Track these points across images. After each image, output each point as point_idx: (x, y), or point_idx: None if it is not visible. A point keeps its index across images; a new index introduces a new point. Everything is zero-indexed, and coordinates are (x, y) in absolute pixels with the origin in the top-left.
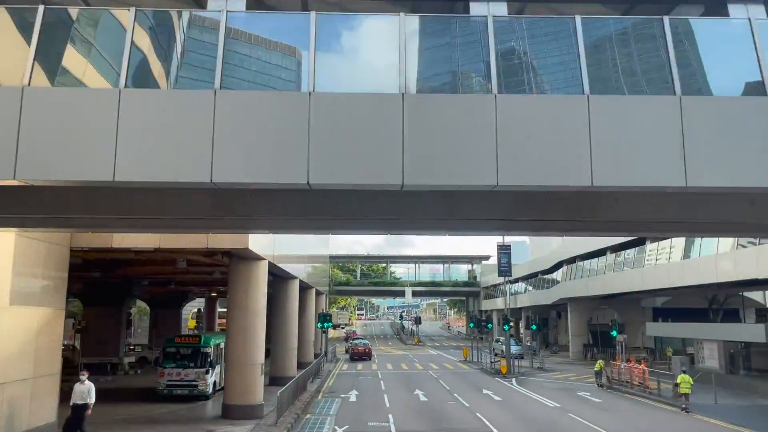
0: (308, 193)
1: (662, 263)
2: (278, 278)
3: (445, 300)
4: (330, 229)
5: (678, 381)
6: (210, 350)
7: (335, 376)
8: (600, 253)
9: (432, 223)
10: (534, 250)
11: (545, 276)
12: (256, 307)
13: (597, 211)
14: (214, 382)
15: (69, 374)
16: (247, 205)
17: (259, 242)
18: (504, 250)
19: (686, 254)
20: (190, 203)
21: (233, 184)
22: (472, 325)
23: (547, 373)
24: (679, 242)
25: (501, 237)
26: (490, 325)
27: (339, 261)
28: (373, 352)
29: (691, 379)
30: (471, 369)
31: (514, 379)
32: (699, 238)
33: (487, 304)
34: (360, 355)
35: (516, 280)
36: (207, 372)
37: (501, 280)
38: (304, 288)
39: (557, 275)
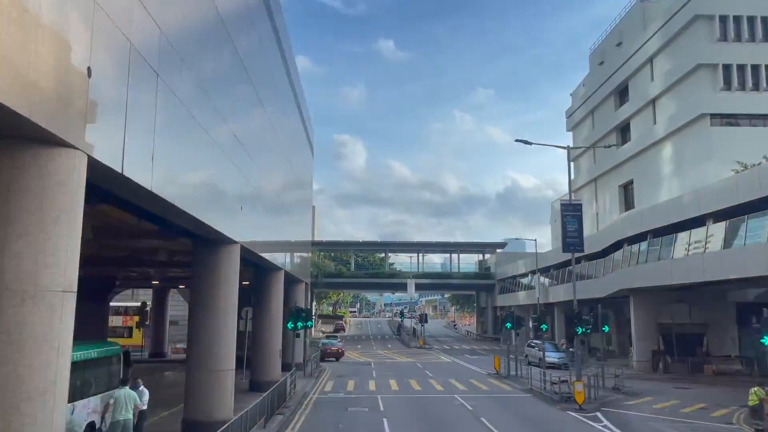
0: None
1: None
2: (201, 242)
3: (446, 296)
4: None
5: None
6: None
7: (311, 406)
8: (694, 222)
9: None
10: (558, 237)
11: (589, 262)
12: (60, 282)
13: None
14: (93, 427)
15: None
16: None
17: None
18: (571, 212)
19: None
20: None
21: None
22: (509, 325)
23: (632, 399)
24: None
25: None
26: (545, 327)
27: (330, 249)
28: (346, 352)
29: None
30: (515, 391)
31: (599, 414)
32: None
33: (503, 300)
34: (331, 355)
35: (547, 269)
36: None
37: (523, 269)
38: (267, 270)
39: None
